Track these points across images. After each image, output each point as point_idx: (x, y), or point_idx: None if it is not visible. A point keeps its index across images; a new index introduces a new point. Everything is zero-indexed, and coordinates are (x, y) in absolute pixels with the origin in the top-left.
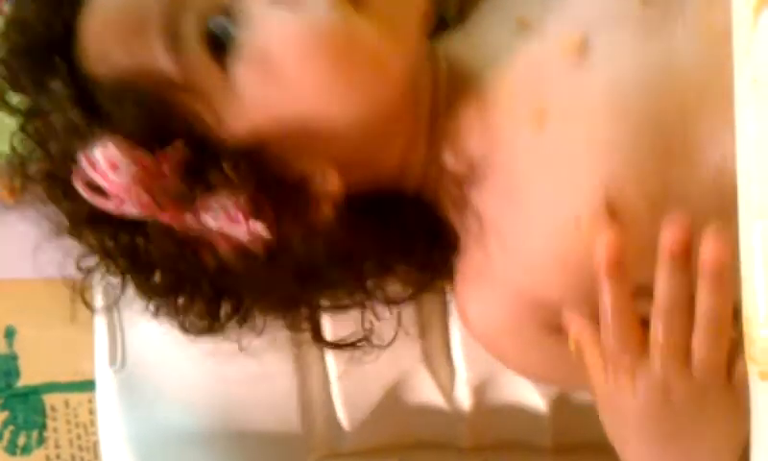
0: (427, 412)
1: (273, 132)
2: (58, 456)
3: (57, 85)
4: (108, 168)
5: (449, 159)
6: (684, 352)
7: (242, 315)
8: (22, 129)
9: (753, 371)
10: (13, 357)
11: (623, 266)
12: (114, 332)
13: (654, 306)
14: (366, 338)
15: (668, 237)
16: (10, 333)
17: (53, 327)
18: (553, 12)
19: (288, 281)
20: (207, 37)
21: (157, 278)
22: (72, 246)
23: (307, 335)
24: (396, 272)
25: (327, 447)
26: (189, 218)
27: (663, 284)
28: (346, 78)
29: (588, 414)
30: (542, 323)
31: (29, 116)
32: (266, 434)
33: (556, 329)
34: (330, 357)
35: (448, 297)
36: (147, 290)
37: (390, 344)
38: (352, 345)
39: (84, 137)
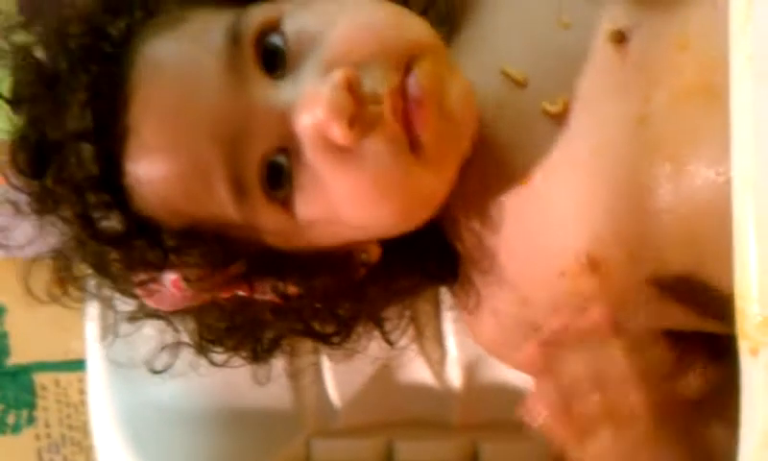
0: (418, 390)
1: (331, 246)
2: (48, 435)
3: (112, 225)
4: (174, 289)
5: (458, 207)
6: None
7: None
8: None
9: (744, 347)
10: (3, 336)
11: (549, 370)
12: (106, 307)
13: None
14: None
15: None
16: None
17: (43, 306)
18: (537, 69)
19: (322, 317)
20: (269, 180)
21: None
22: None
23: None
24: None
25: (318, 424)
26: (240, 296)
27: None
28: (403, 215)
29: None
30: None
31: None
32: (257, 411)
33: (551, 343)
34: None
35: None
36: (194, 341)
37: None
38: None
39: (147, 269)
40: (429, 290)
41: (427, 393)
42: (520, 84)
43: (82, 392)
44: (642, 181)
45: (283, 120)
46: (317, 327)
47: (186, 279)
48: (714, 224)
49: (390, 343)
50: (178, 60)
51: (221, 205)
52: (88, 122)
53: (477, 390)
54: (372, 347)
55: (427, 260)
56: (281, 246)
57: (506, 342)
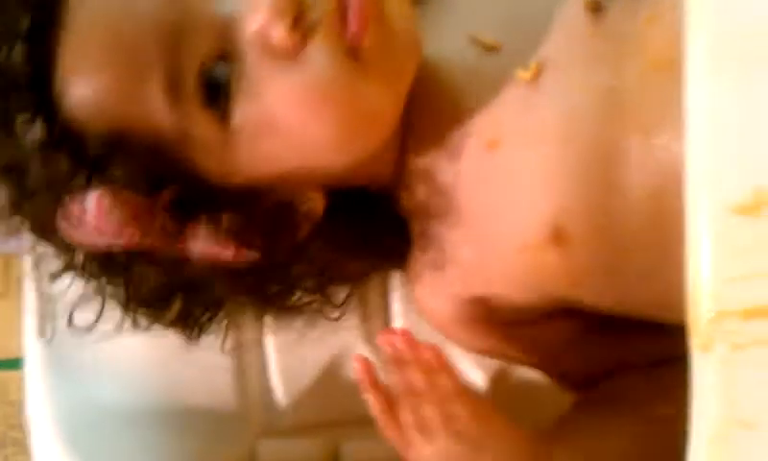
0: None
1: (269, 177)
2: None
3: (35, 131)
4: (99, 216)
5: (413, 170)
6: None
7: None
8: None
9: (694, 343)
10: None
11: (376, 383)
12: (45, 302)
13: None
14: (322, 302)
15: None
16: None
17: None
18: (510, 35)
19: (262, 284)
20: (207, 88)
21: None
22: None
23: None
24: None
25: (264, 423)
26: (174, 245)
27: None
28: (346, 131)
29: (525, 390)
30: (493, 317)
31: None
32: (200, 411)
33: (507, 322)
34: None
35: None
36: (121, 300)
37: (337, 319)
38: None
39: (71, 188)
40: (377, 279)
41: None
42: (493, 50)
43: (22, 390)
44: (610, 151)
45: (225, 27)
46: (252, 282)
47: (113, 197)
48: (681, 203)
49: (333, 305)
50: None
51: (153, 106)
52: (25, 22)
53: None
54: (319, 342)
55: (374, 226)
56: (215, 172)
57: (456, 318)
